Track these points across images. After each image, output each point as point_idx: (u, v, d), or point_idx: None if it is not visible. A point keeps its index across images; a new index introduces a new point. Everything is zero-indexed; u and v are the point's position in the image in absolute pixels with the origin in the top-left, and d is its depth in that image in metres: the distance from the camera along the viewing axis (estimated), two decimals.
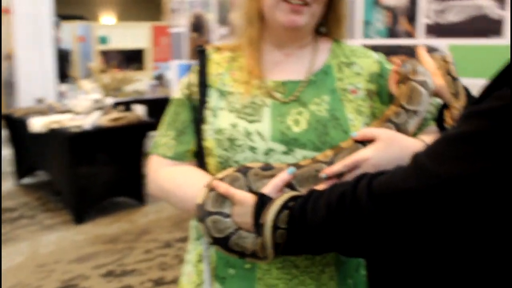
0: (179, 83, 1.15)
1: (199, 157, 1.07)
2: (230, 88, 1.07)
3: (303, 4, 0.99)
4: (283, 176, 0.90)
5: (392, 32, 3.13)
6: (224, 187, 0.90)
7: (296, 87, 1.06)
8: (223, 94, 1.06)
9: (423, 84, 0.97)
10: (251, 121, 1.01)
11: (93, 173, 3.95)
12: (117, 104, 4.53)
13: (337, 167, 0.88)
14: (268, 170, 0.92)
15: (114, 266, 3.17)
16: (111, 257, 3.31)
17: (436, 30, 2.88)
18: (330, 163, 0.90)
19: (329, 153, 0.93)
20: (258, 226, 0.87)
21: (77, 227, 3.85)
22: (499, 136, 0.62)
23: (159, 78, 7.28)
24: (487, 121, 0.64)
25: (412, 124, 0.96)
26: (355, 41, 3.15)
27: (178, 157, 1.06)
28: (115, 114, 3.95)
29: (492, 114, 0.63)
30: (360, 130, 0.92)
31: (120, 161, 4.11)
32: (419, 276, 0.81)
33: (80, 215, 3.92)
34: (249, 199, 0.89)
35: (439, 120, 1.00)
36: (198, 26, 4.37)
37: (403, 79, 0.98)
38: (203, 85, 1.08)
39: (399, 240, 0.72)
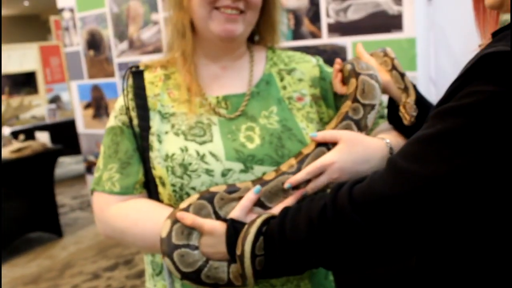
0: (113, 110, 1.07)
1: (149, 188, 1.01)
2: (170, 109, 1.01)
3: (238, 12, 0.96)
4: (250, 196, 0.87)
5: (296, 34, 3.20)
6: (190, 218, 0.86)
7: (240, 101, 1.03)
8: (164, 116, 1.00)
9: (373, 77, 0.96)
10: (201, 143, 0.96)
11: (0, 210, 3.62)
12: (15, 134, 4.20)
13: (301, 175, 0.87)
14: (234, 192, 0.88)
15: None
16: None
17: (338, 28, 2.99)
18: (296, 172, 0.88)
19: (292, 162, 0.90)
20: (233, 255, 0.84)
21: None
22: (475, 132, 0.63)
23: (55, 100, 6.88)
24: (462, 118, 0.65)
25: (370, 118, 0.96)
26: None
27: (126, 191, 0.98)
28: (17, 145, 3.65)
29: (466, 111, 0.64)
30: (319, 132, 0.90)
31: (30, 194, 3.83)
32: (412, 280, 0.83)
33: None
34: (220, 227, 0.85)
35: (390, 117, 1.02)
36: (94, 43, 4.18)
37: (351, 75, 0.97)
38: (144, 108, 1.00)
39: (388, 247, 0.72)
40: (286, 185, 0.87)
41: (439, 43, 3.04)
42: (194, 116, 0.99)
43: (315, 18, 3.09)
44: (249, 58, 1.09)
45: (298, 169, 0.88)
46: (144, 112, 1.00)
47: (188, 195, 0.95)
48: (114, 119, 1.03)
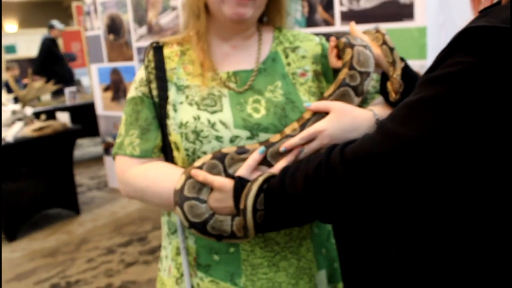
0: (133, 82, 1.16)
1: (166, 152, 1.10)
2: (185, 82, 1.10)
3: None
4: (255, 156, 0.96)
5: (310, 22, 3.28)
6: (202, 175, 0.95)
7: (249, 76, 1.12)
8: (179, 88, 1.09)
9: (367, 48, 1.04)
10: (212, 112, 1.05)
11: (20, 187, 3.78)
12: (37, 114, 4.35)
13: (294, 140, 0.95)
14: (243, 153, 0.97)
15: (57, 279, 3.09)
16: (53, 270, 3.22)
17: (351, 16, 3.06)
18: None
19: (295, 125, 0.99)
20: (238, 209, 0.93)
21: (11, 244, 3.68)
22: (454, 98, 0.71)
23: (76, 84, 7.03)
24: (444, 86, 0.72)
25: (366, 85, 1.03)
26: None
27: (145, 154, 1.08)
28: (38, 124, 3.79)
29: (448, 79, 0.72)
30: (313, 103, 0.99)
31: (49, 172, 3.97)
32: (394, 238, 0.91)
33: (12, 232, 3.75)
34: (228, 184, 0.94)
35: (383, 91, 1.11)
36: (114, 28, 4.29)
37: (346, 46, 1.04)
38: (163, 80, 1.10)
39: (374, 199, 0.80)
40: (282, 149, 0.96)
41: (448, 32, 3.08)
42: (206, 88, 1.08)
43: (328, 6, 3.15)
44: (258, 37, 1.17)
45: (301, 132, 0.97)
46: (163, 83, 1.10)
47: (200, 158, 1.04)
48: (134, 90, 1.13)
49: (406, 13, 2.84)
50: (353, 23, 1.15)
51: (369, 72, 1.03)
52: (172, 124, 1.07)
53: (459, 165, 0.74)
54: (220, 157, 0.98)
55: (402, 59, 1.09)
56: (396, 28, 2.87)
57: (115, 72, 4.44)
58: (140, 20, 4.09)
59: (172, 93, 1.09)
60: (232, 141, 1.03)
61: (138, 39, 4.16)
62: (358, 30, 1.14)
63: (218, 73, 1.11)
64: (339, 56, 1.10)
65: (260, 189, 0.91)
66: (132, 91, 1.14)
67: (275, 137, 1.00)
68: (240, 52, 1.15)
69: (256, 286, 1.07)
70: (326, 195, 0.82)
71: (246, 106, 1.07)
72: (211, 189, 0.98)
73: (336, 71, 1.15)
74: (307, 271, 1.12)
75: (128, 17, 4.18)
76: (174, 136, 1.06)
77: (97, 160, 6.12)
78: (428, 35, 2.80)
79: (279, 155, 0.98)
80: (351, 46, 1.04)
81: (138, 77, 1.14)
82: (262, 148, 0.96)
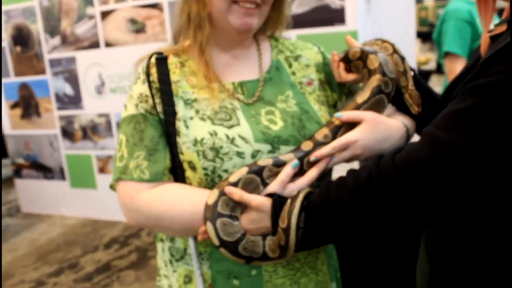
0: (129, 98, 1.05)
1: (175, 173, 1.01)
2: (191, 95, 1.02)
3: (255, 6, 0.99)
4: (288, 171, 0.91)
5: None
6: (238, 194, 0.88)
7: (255, 86, 1.06)
8: (187, 102, 1.01)
9: (385, 55, 1.03)
10: (229, 126, 0.99)
11: None
12: None
13: (326, 150, 0.92)
14: (280, 165, 0.92)
15: None
16: None
17: None
18: (330, 142, 0.93)
19: (326, 131, 0.95)
20: (275, 228, 0.88)
21: None
22: (499, 106, 0.73)
23: None
24: (489, 93, 0.75)
25: (392, 93, 1.02)
26: None
27: (156, 178, 0.98)
28: None
29: (494, 87, 0.75)
30: (344, 112, 0.95)
31: None
32: (453, 243, 0.91)
33: None
34: (266, 203, 0.88)
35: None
36: (21, 39, 3.94)
37: (368, 54, 1.01)
38: (169, 94, 1.01)
39: (426, 209, 0.80)
40: (312, 158, 0.92)
41: (376, 35, 3.22)
42: (216, 101, 1.01)
43: None
44: (256, 46, 1.13)
45: (332, 139, 0.94)
46: (168, 98, 1.00)
47: (220, 177, 0.96)
48: (134, 107, 1.02)
49: (337, 17, 2.92)
50: (349, 37, 1.14)
51: (394, 79, 1.02)
52: (185, 142, 0.98)
53: (507, 171, 0.76)
54: (257, 170, 0.91)
55: (411, 69, 1.09)
56: (328, 33, 2.94)
57: (24, 87, 4.08)
58: (52, 30, 3.80)
59: (180, 108, 1.00)
60: (253, 156, 0.97)
61: (51, 50, 3.86)
62: (354, 41, 1.12)
63: (224, 85, 1.04)
64: (348, 69, 1.08)
65: (302, 206, 0.86)
66: (131, 109, 1.02)
67: (307, 145, 0.95)
68: (242, 62, 1.10)
69: None
70: (378, 205, 0.81)
71: (260, 118, 1.02)
72: (244, 206, 0.90)
73: (343, 85, 1.13)
74: (324, 284, 1.10)
75: (37, 27, 3.86)
76: (189, 154, 0.97)
77: (3, 184, 5.58)
78: (359, 38, 2.89)
79: (310, 163, 0.93)
80: (374, 53, 1.02)
81: (135, 93, 1.03)
82: (295, 162, 0.92)
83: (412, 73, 1.10)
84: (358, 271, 1.43)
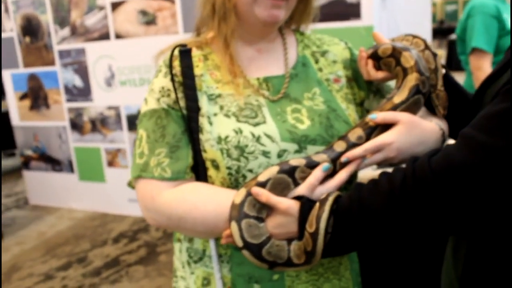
0: (149, 92, 1.00)
1: (197, 172, 0.96)
2: (215, 90, 0.98)
3: None
4: (318, 174, 0.86)
5: None
6: (265, 195, 0.83)
7: (281, 82, 1.02)
8: (211, 98, 0.97)
9: (418, 53, 0.98)
10: (255, 124, 0.94)
11: None
12: None
13: (359, 151, 0.88)
14: (313, 167, 0.87)
15: None
16: None
17: None
18: (364, 143, 0.89)
19: (359, 131, 0.91)
20: (302, 233, 0.83)
21: None
22: None
23: None
24: None
25: (428, 93, 0.97)
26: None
27: (178, 176, 0.93)
28: None
29: None
30: (379, 113, 0.90)
31: None
32: (491, 250, 0.86)
33: None
34: (294, 207, 0.83)
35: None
36: (30, 29, 3.90)
37: (401, 51, 0.96)
38: (192, 88, 0.96)
39: (464, 214, 0.76)
40: (343, 159, 0.88)
41: (392, 31, 3.17)
42: (241, 97, 0.97)
43: None
44: (282, 41, 1.08)
45: (366, 140, 0.89)
46: (192, 92, 0.96)
47: (245, 177, 0.92)
48: (155, 101, 0.97)
49: (353, 12, 2.86)
50: (376, 32, 1.09)
51: (429, 77, 0.97)
52: (208, 139, 0.93)
53: None
54: (289, 170, 0.86)
55: (443, 66, 1.04)
56: (344, 27, 2.88)
57: (33, 78, 4.04)
58: (62, 21, 3.75)
59: (204, 104, 0.96)
60: (280, 156, 0.92)
61: (60, 41, 3.82)
62: (383, 37, 1.07)
63: (249, 80, 1.00)
64: (377, 67, 1.03)
65: (331, 210, 0.82)
66: (152, 103, 0.98)
67: (339, 145, 0.90)
68: (266, 56, 1.05)
69: None
70: (414, 209, 0.77)
71: (286, 116, 0.97)
72: (270, 208, 0.86)
73: (371, 83, 1.08)
74: None
75: (47, 18, 3.82)
76: (212, 152, 0.93)
77: (10, 175, 5.57)
78: None
79: (341, 164, 0.89)
80: (408, 50, 0.96)
81: (157, 86, 0.98)
82: (326, 165, 0.87)
83: (443, 71, 1.05)
84: (379, 275, 1.38)
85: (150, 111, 0.97)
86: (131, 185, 1.00)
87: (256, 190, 0.84)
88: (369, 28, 2.83)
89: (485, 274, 0.91)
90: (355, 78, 1.08)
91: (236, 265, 0.98)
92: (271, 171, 0.86)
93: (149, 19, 3.40)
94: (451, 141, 1.03)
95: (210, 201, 0.89)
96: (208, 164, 0.94)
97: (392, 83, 1.10)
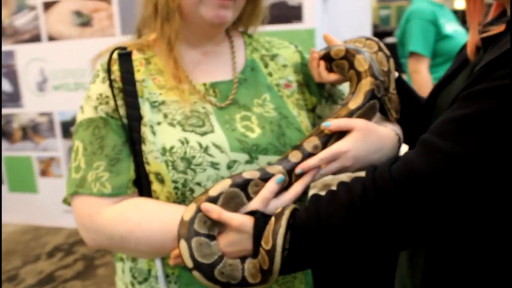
0: (86, 99, 0.91)
1: (140, 186, 0.88)
2: (158, 97, 0.90)
3: None
4: (271, 187, 0.81)
5: None
6: (216, 212, 0.77)
7: (229, 88, 0.96)
8: (153, 105, 0.89)
9: (371, 55, 0.95)
10: (202, 134, 0.87)
11: None
12: None
13: (313, 162, 0.83)
14: (268, 179, 0.82)
15: None
16: None
17: None
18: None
19: (315, 140, 0.86)
20: (257, 250, 0.78)
21: None
22: (504, 113, 0.67)
23: None
24: (496, 99, 0.69)
25: (383, 97, 0.94)
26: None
27: (119, 192, 0.85)
28: None
29: (499, 92, 0.69)
30: (333, 121, 0.86)
31: None
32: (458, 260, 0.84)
33: None
34: (247, 224, 0.78)
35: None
36: None
37: (354, 54, 0.93)
38: (133, 95, 0.88)
39: (426, 226, 0.73)
40: (298, 170, 0.83)
41: (332, 35, 3.19)
42: (187, 104, 0.90)
43: None
44: (229, 43, 1.02)
45: (323, 149, 0.85)
46: (133, 99, 0.87)
47: (192, 191, 0.85)
48: (92, 109, 0.88)
49: (295, 15, 2.84)
50: (327, 34, 1.05)
51: (383, 81, 0.93)
52: (152, 150, 0.85)
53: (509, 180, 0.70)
54: (241, 183, 0.80)
55: (395, 69, 1.01)
56: (285, 30, 2.86)
57: None
58: None
59: (146, 112, 0.88)
60: (229, 167, 0.86)
61: None
62: (334, 39, 1.03)
63: (195, 86, 0.93)
64: (329, 69, 0.99)
65: (288, 225, 0.77)
66: (89, 111, 0.89)
67: (294, 155, 0.85)
68: (213, 60, 0.98)
69: None
70: (376, 222, 0.73)
71: (235, 125, 0.91)
72: (222, 225, 0.80)
73: (322, 88, 1.04)
74: None
75: None
76: (156, 165, 0.85)
77: None
78: (317, 36, 2.83)
79: (296, 176, 0.84)
80: (361, 52, 0.93)
81: (94, 93, 0.90)
82: (280, 177, 0.82)
83: (396, 74, 1.03)
84: (332, 284, 1.35)
85: (87, 120, 0.88)
86: (66, 201, 0.91)
87: (207, 206, 0.77)
88: (310, 31, 2.82)
89: (444, 282, 0.89)
90: (306, 83, 1.04)
91: (185, 286, 0.91)
92: (223, 185, 0.79)
93: (84, 20, 3.23)
94: (404, 147, 1.01)
95: (154, 218, 0.82)
96: (152, 177, 0.86)
97: (344, 88, 1.07)
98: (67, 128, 3.45)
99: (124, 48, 0.90)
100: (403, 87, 1.04)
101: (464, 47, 1.04)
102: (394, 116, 0.96)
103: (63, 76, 3.35)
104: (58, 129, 3.50)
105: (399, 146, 0.92)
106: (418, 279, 1.00)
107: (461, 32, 2.64)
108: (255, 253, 0.78)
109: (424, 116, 1.01)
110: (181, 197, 0.85)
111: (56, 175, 3.54)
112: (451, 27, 2.59)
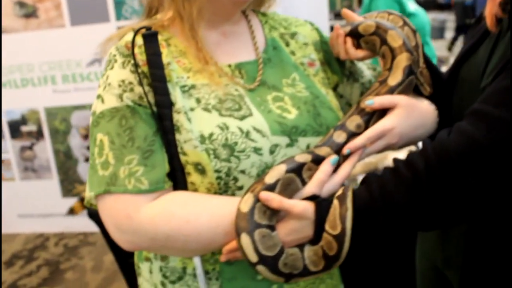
0: (105, 88, 0.82)
1: (174, 179, 0.81)
2: (187, 80, 0.84)
3: None
4: (326, 168, 0.78)
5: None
6: (277, 201, 0.73)
7: (254, 68, 0.91)
8: (183, 90, 0.83)
9: (401, 31, 0.93)
10: (241, 118, 0.82)
11: None
12: None
13: (360, 140, 0.82)
14: (320, 162, 0.78)
15: None
16: None
17: None
18: (363, 132, 0.83)
19: (357, 120, 0.84)
20: (319, 237, 0.74)
21: None
22: None
23: None
24: None
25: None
26: (109, 24, 2.91)
27: (157, 187, 0.78)
28: None
29: None
30: (376, 98, 0.84)
31: None
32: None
33: None
34: (309, 210, 0.74)
35: None
36: None
37: (386, 30, 0.91)
38: (162, 80, 0.81)
39: (485, 195, 0.74)
40: (346, 151, 0.81)
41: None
42: (219, 87, 0.84)
43: None
44: (247, 23, 0.97)
45: (366, 128, 0.83)
46: (163, 85, 0.80)
47: (236, 180, 0.79)
48: (116, 98, 0.80)
49: None
50: (346, 9, 1.02)
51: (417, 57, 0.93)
52: (190, 139, 0.79)
53: None
54: (296, 168, 0.76)
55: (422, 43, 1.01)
56: None
57: None
58: None
59: (178, 97, 0.81)
60: (272, 151, 0.82)
61: None
62: (355, 15, 1.00)
63: (222, 68, 0.87)
64: (355, 45, 0.96)
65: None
66: (111, 100, 0.81)
67: (339, 135, 0.83)
68: (233, 40, 0.93)
69: None
70: (443, 195, 0.73)
71: (269, 106, 0.86)
72: (280, 214, 0.76)
73: (343, 66, 1.01)
74: None
75: None
76: (195, 155, 0.79)
77: None
78: None
79: (343, 156, 0.82)
80: (393, 28, 0.91)
81: (114, 80, 0.82)
82: (334, 157, 0.79)
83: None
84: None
85: (110, 110, 0.80)
86: (90, 203, 0.82)
87: (266, 195, 0.73)
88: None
89: (487, 253, 0.89)
90: (327, 61, 1.00)
91: (227, 281, 0.86)
92: (279, 171, 0.75)
93: (28, 11, 3.02)
94: None
95: (202, 213, 0.76)
96: (190, 168, 0.80)
97: (362, 66, 1.05)
98: (17, 128, 3.23)
99: (149, 28, 0.82)
100: (426, 61, 1.03)
101: (478, 20, 1.04)
102: (428, 90, 0.95)
103: (8, 73, 3.13)
104: (6, 129, 3.27)
105: (438, 121, 0.92)
106: (450, 250, 1.00)
107: (422, 11, 2.69)
108: (316, 239, 0.75)
109: (446, 89, 1.01)
110: (223, 187, 0.79)
111: (7, 179, 3.31)
112: (412, 5, 2.64)
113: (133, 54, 0.80)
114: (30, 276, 2.87)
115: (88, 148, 2.99)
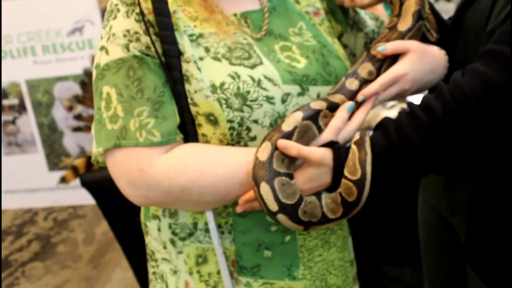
0: (108, 38, 0.78)
1: (185, 131, 0.80)
2: (194, 29, 0.81)
3: None
4: (343, 115, 0.78)
5: None
6: (295, 148, 0.72)
7: (260, 17, 0.89)
8: (191, 39, 0.80)
9: None
10: (252, 66, 0.80)
11: None
12: None
13: (374, 87, 0.81)
14: (335, 109, 0.78)
15: None
16: None
17: None
18: (375, 79, 0.83)
19: (369, 67, 0.83)
20: (337, 183, 0.74)
21: None
22: None
23: None
24: None
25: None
26: None
27: (169, 139, 0.76)
28: None
29: None
30: (388, 44, 0.84)
31: None
32: None
33: None
34: (327, 156, 0.74)
35: None
36: None
37: None
38: (170, 28, 0.78)
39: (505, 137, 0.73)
40: (360, 98, 0.81)
41: None
42: (227, 36, 0.81)
43: None
44: None
45: (377, 74, 0.83)
46: (170, 33, 0.77)
47: (249, 130, 0.78)
48: (121, 48, 0.76)
49: None
50: None
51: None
52: (201, 89, 0.77)
53: None
54: (312, 115, 0.75)
55: None
56: None
57: None
58: None
59: (186, 46, 0.79)
60: (284, 100, 0.81)
61: None
62: None
63: (228, 16, 0.85)
64: None
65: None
66: (117, 51, 0.78)
67: (351, 83, 0.82)
68: None
69: (313, 273, 0.90)
70: (462, 138, 0.73)
71: (278, 56, 0.85)
72: (297, 161, 0.75)
73: (347, 15, 0.99)
74: (346, 239, 1.00)
75: None
76: (207, 105, 0.77)
77: None
78: None
79: (357, 103, 0.81)
80: None
81: (118, 30, 0.78)
82: (351, 104, 0.79)
83: None
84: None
85: (116, 61, 0.77)
86: (97, 160, 0.80)
87: (284, 143, 0.72)
88: None
89: (496, 199, 0.90)
90: (331, 10, 0.99)
91: (241, 234, 0.85)
92: (295, 118, 0.74)
93: None
94: None
95: (217, 163, 0.75)
96: (201, 120, 0.78)
97: (365, 16, 1.03)
98: None
99: None
100: (431, 8, 1.02)
101: None
102: (435, 36, 0.95)
103: None
104: None
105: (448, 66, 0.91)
106: (456, 197, 1.01)
107: None
108: (333, 186, 0.74)
109: (450, 35, 1.01)
110: (236, 138, 0.78)
111: None
112: None
113: (138, 2, 0.77)
114: (21, 251, 2.84)
115: (73, 118, 2.94)
